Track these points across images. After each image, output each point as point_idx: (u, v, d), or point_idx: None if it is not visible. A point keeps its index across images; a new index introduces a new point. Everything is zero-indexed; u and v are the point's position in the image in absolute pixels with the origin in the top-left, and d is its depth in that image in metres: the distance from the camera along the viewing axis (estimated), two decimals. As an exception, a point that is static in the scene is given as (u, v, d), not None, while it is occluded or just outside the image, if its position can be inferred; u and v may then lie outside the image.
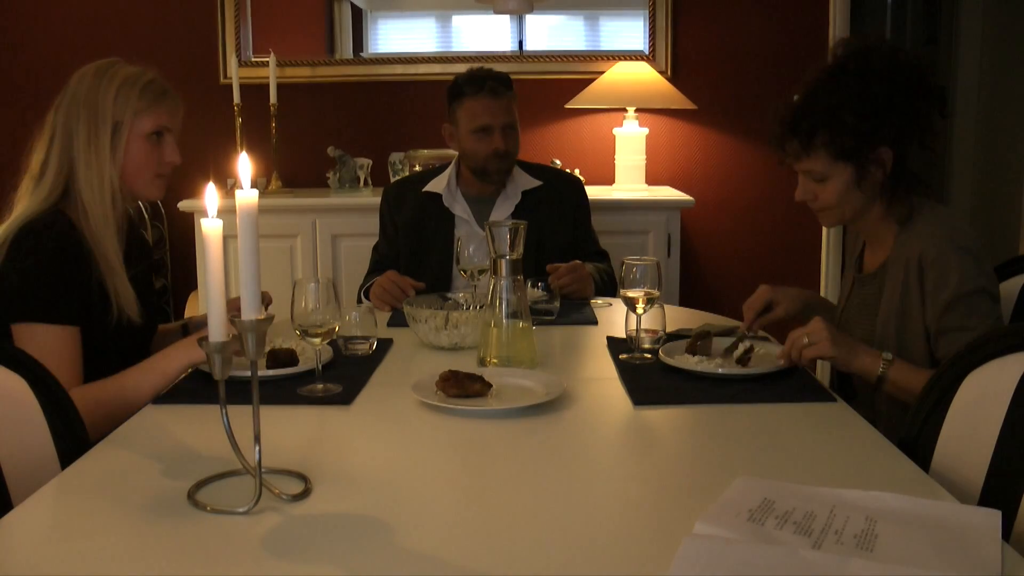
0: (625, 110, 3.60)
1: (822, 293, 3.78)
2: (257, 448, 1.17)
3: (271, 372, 1.73)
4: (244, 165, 1.16)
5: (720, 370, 1.72)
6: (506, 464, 1.37)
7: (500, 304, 1.79)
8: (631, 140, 3.59)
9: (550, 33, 4.01)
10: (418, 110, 3.76)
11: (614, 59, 3.72)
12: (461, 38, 4.05)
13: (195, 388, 1.68)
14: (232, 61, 3.65)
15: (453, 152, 2.73)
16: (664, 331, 1.89)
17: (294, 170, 3.74)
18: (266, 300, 1.91)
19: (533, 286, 2.22)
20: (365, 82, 3.80)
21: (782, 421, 1.54)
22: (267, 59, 3.58)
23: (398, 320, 2.17)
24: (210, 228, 1.12)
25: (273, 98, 3.56)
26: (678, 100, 3.55)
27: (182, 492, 1.21)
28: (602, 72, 3.62)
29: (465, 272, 2.26)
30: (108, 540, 1.10)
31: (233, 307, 1.17)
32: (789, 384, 1.69)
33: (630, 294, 1.84)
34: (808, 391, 1.65)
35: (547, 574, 1.02)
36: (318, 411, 1.59)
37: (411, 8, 4.07)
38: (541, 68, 3.78)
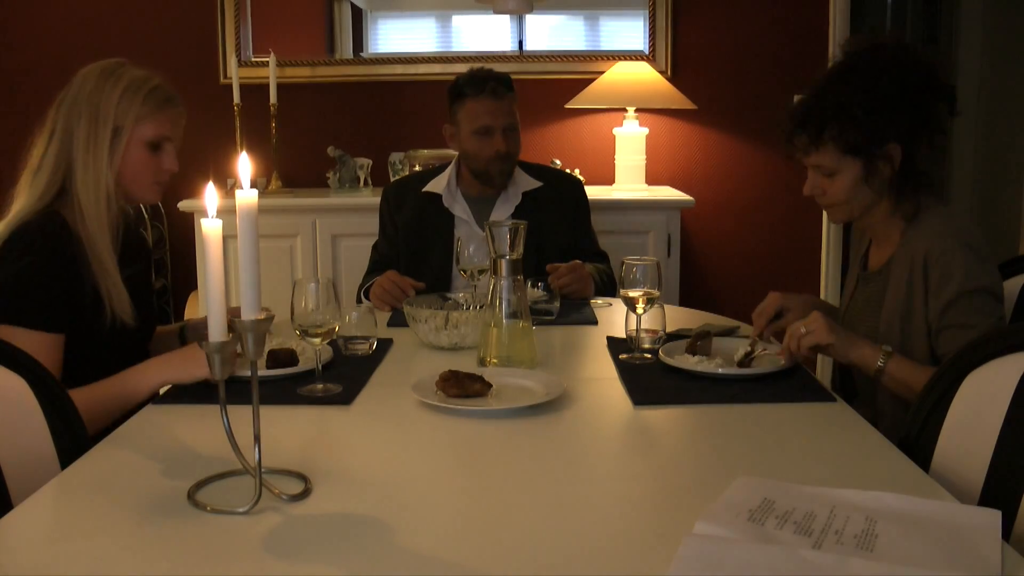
0: (625, 110, 3.60)
1: (822, 293, 3.78)
2: (257, 448, 1.17)
3: (271, 372, 1.73)
4: (244, 165, 1.16)
5: (720, 370, 1.72)
6: (506, 464, 1.37)
7: (500, 304, 1.79)
8: (631, 140, 3.59)
9: (550, 33, 4.01)
10: (418, 110, 3.76)
11: (614, 59, 3.72)
12: (461, 38, 4.05)
13: (195, 388, 1.68)
14: (232, 61, 3.65)
15: (453, 152, 2.73)
16: (664, 331, 1.89)
17: (294, 170, 3.74)
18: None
19: (533, 286, 2.22)
20: (365, 82, 3.80)
21: (782, 421, 1.54)
22: (267, 59, 3.58)
23: (398, 320, 2.17)
24: (210, 228, 1.11)
25: (273, 98, 3.56)
26: (678, 100, 3.55)
27: (182, 492, 1.21)
28: (602, 72, 3.62)
29: (465, 272, 2.26)
30: (108, 540, 1.10)
31: (232, 316, 1.16)
32: (789, 384, 1.69)
33: (630, 294, 1.84)
34: (808, 391, 1.65)
35: (547, 574, 1.02)
36: (318, 411, 1.59)
37: (411, 8, 4.07)
38: (541, 68, 3.78)
